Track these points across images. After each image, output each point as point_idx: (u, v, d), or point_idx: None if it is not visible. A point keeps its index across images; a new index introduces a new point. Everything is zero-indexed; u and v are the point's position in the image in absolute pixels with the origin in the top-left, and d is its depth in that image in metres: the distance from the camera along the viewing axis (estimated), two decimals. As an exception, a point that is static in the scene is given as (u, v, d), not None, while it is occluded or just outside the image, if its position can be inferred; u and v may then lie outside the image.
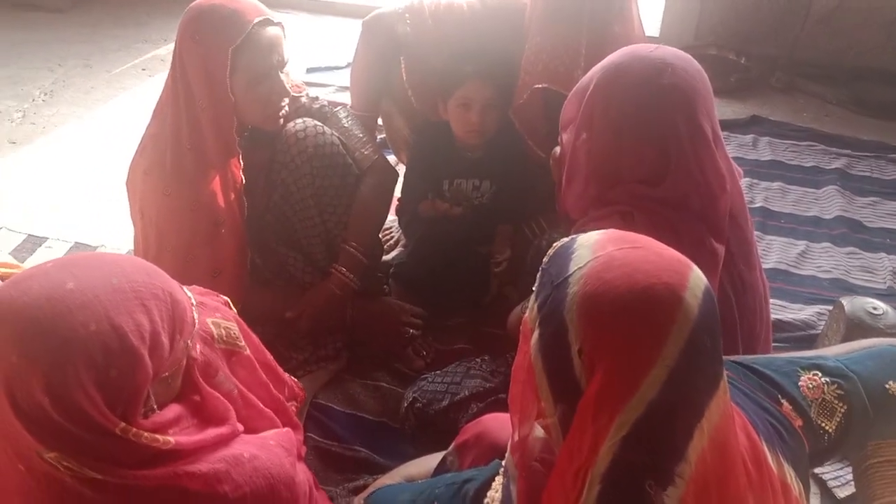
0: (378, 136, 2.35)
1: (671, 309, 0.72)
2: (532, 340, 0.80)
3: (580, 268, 0.77)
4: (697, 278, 0.75)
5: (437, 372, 1.73)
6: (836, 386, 0.93)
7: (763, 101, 3.07)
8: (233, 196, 1.63)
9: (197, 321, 1.03)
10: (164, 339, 0.94)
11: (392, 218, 2.17)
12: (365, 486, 1.45)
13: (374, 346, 1.87)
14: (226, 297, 1.20)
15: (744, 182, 2.51)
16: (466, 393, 1.62)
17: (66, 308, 0.86)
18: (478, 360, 1.75)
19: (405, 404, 1.65)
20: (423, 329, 1.90)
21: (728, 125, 2.88)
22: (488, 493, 0.98)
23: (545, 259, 0.84)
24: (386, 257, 2.12)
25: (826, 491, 1.56)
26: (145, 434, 0.92)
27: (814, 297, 2.06)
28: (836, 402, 0.93)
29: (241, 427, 1.07)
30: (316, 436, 1.66)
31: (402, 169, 2.13)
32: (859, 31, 3.13)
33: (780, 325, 1.93)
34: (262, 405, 1.13)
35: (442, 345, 1.90)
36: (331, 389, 1.78)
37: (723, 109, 2.96)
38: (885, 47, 3.13)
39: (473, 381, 1.66)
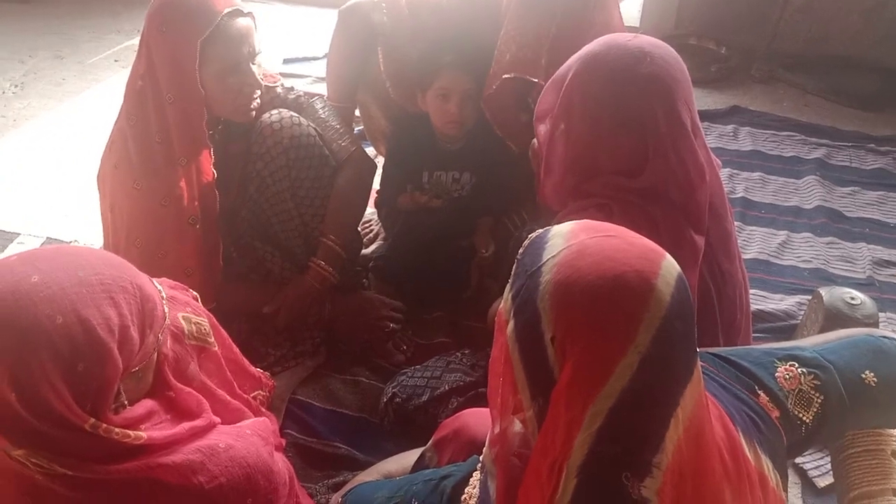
0: (356, 128, 2.33)
1: (643, 296, 0.71)
2: (507, 331, 0.80)
3: (553, 256, 0.76)
4: (670, 266, 0.75)
5: (417, 367, 1.71)
6: (812, 376, 0.92)
7: (743, 91, 3.08)
8: (204, 191, 1.60)
9: (167, 315, 1.01)
10: (134, 333, 0.92)
11: (372, 210, 2.15)
12: (345, 483, 1.44)
13: (354, 340, 1.85)
14: (194, 293, 1.18)
15: (724, 172, 2.53)
16: (446, 387, 1.61)
17: (30, 301, 0.85)
18: (458, 353, 1.74)
19: (384, 400, 1.64)
20: (403, 323, 1.89)
21: (709, 115, 2.88)
22: (466, 490, 0.97)
23: (520, 250, 0.83)
24: (365, 251, 2.10)
25: (807, 480, 1.56)
26: (116, 430, 0.91)
27: (794, 287, 2.07)
28: (813, 392, 0.92)
29: (216, 419, 1.06)
30: (295, 432, 1.64)
31: (380, 161, 2.11)
32: (838, 20, 3.15)
33: (761, 316, 1.93)
34: (229, 398, 1.12)
35: (422, 339, 1.88)
36: (310, 385, 1.75)
37: (703, 99, 2.96)
38: (864, 36, 3.14)
39: (453, 375, 1.64)
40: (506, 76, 1.72)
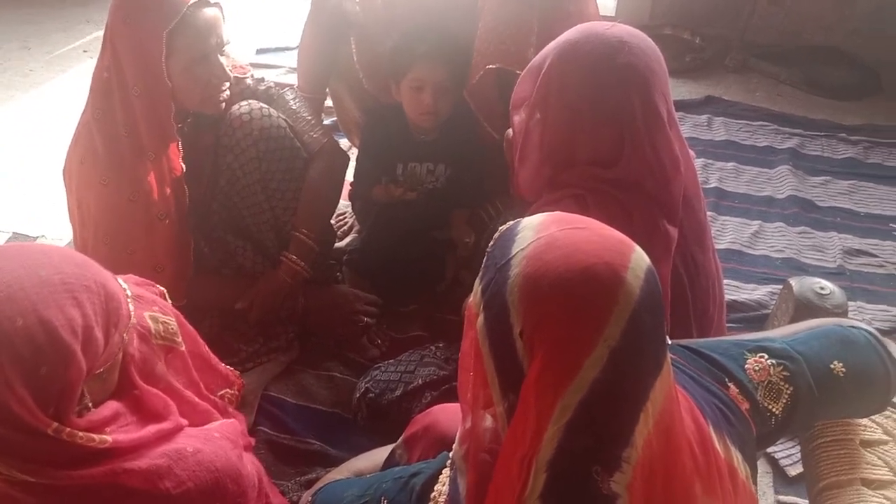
0: (329, 119, 2.30)
1: (612, 288, 0.70)
2: (477, 325, 0.79)
3: (522, 249, 0.75)
4: (639, 258, 0.74)
5: (391, 361, 1.70)
6: (781, 367, 0.93)
7: (717, 81, 3.09)
8: (173, 185, 1.57)
9: (133, 314, 0.99)
10: (98, 334, 0.90)
11: (346, 203, 2.13)
12: (317, 479, 1.42)
13: (328, 335, 1.83)
14: (162, 288, 1.16)
15: (698, 162, 2.54)
16: (420, 381, 1.60)
17: None
18: (432, 347, 1.73)
19: (357, 395, 1.63)
20: (378, 317, 1.87)
21: (683, 105, 2.89)
22: (435, 487, 0.96)
23: (491, 242, 0.82)
24: (339, 244, 2.08)
25: (778, 469, 1.58)
26: (80, 433, 0.89)
27: (766, 277, 2.09)
28: (783, 383, 0.92)
29: (184, 421, 1.04)
30: (267, 429, 1.62)
31: (354, 153, 2.09)
32: (811, 11, 3.17)
33: (734, 306, 1.95)
34: (197, 400, 1.10)
35: (397, 333, 1.87)
36: (282, 381, 1.74)
37: (678, 89, 2.97)
38: (837, 27, 3.17)
39: (427, 369, 1.63)
40: (489, 66, 1.71)
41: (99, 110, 1.54)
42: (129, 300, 0.98)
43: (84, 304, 0.88)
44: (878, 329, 1.82)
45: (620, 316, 0.70)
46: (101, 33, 1.56)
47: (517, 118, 1.35)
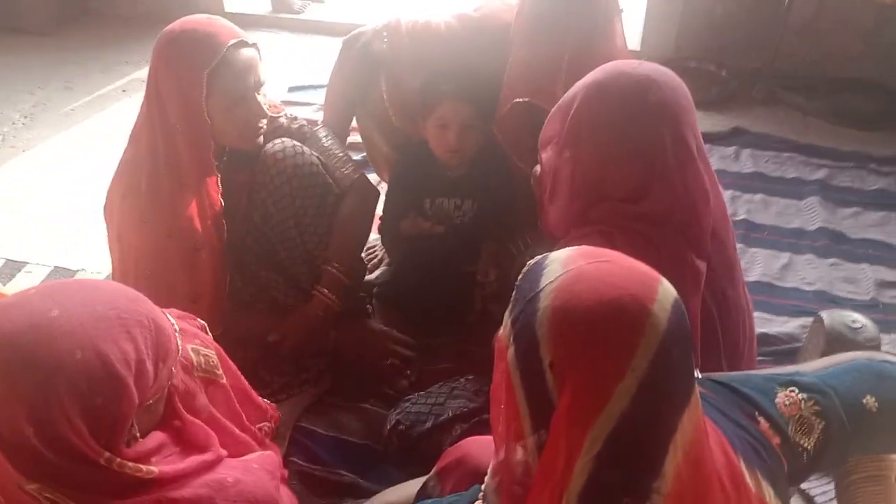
0: (359, 155, 2.35)
1: (639, 320, 0.72)
2: (507, 357, 0.80)
3: (551, 282, 0.77)
4: (666, 291, 0.75)
5: (421, 393, 1.71)
6: (812, 402, 0.92)
7: (744, 113, 3.09)
8: (211, 219, 1.62)
9: (180, 348, 1.02)
10: (149, 367, 0.93)
11: (376, 236, 2.17)
12: (348, 511, 1.43)
13: (358, 369, 1.85)
14: (202, 322, 1.19)
15: (726, 194, 2.53)
16: (450, 414, 1.61)
17: (50, 336, 0.86)
18: (462, 379, 1.74)
19: (388, 427, 1.63)
20: (411, 359, 1.87)
21: (710, 137, 2.89)
22: (468, 519, 0.97)
23: (520, 276, 0.84)
24: (369, 276, 2.11)
25: (813, 506, 1.55)
26: (129, 464, 0.91)
27: (798, 310, 2.06)
28: (814, 418, 0.92)
29: (224, 452, 1.06)
30: (299, 460, 1.64)
31: (383, 187, 2.13)
32: (837, 42, 3.17)
33: (765, 339, 1.93)
34: (238, 431, 1.12)
35: (426, 364, 1.88)
36: (314, 413, 1.76)
37: (704, 122, 2.97)
38: (864, 57, 3.16)
39: (457, 401, 1.64)
40: (517, 100, 1.73)
41: (143, 147, 1.59)
42: (176, 334, 1.02)
43: (137, 339, 0.91)
44: (912, 363, 1.81)
45: (648, 347, 0.71)
46: (139, 73, 1.63)
47: (546, 156, 1.37)
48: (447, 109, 1.79)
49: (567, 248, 0.83)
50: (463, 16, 1.92)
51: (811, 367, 1.01)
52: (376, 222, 2.07)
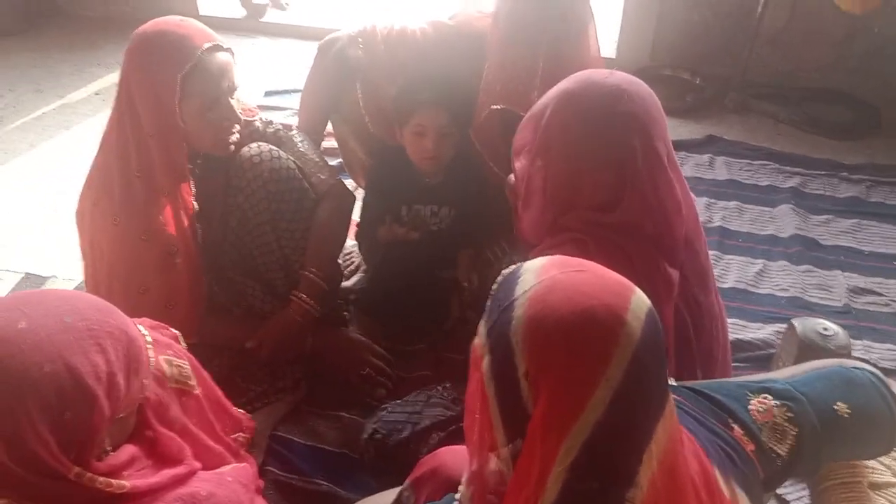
0: (335, 160, 2.34)
1: (613, 330, 0.72)
2: (483, 366, 0.80)
3: (525, 291, 0.77)
4: (640, 300, 0.76)
5: (398, 401, 1.70)
6: (786, 409, 0.93)
7: (718, 121, 3.13)
8: (185, 223, 1.60)
9: (152, 360, 1.00)
10: (121, 380, 0.91)
11: (352, 243, 2.15)
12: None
13: (335, 376, 1.83)
14: (176, 332, 1.17)
15: (701, 201, 2.56)
16: (427, 422, 1.60)
17: (17, 349, 0.84)
18: (439, 387, 1.73)
19: (365, 436, 1.62)
20: (387, 373, 1.84)
21: (684, 145, 2.93)
22: (442, 529, 0.96)
23: (494, 285, 0.84)
24: (346, 283, 2.10)
25: (788, 511, 1.56)
26: (100, 479, 0.90)
27: (772, 316, 2.09)
28: (787, 424, 0.93)
29: (198, 464, 1.05)
30: (276, 469, 1.62)
31: (360, 193, 2.12)
32: (809, 52, 3.22)
33: (739, 345, 1.95)
34: (212, 442, 1.10)
35: (403, 372, 1.87)
36: (290, 421, 1.74)
37: (678, 129, 3.01)
38: (835, 67, 3.22)
39: (434, 409, 1.64)
40: (494, 107, 1.74)
41: (114, 152, 1.57)
42: (148, 346, 1.00)
43: (108, 351, 0.90)
44: (884, 368, 1.84)
45: (622, 357, 0.72)
46: (112, 76, 1.61)
47: (519, 164, 1.38)
48: (424, 117, 1.79)
49: (541, 258, 0.83)
50: (438, 23, 1.93)
51: (784, 374, 1.02)
52: (353, 228, 2.06)
